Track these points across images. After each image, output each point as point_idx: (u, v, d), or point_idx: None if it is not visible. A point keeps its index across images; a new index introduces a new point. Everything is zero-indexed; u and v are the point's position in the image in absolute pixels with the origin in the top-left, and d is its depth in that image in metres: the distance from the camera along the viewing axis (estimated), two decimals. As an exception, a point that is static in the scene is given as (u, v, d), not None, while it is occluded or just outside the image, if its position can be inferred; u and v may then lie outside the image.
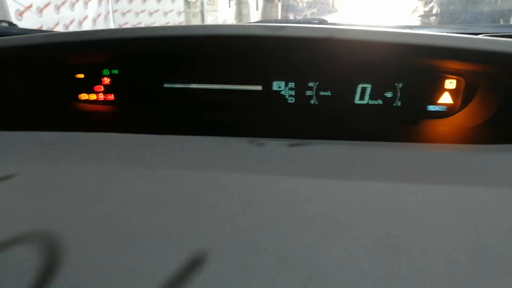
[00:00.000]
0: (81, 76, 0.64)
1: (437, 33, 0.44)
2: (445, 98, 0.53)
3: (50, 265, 0.21)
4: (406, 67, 0.53)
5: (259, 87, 0.59)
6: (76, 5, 3.28)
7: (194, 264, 0.21)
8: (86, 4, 3.41)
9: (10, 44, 0.51)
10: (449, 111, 0.54)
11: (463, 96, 0.52)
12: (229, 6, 4.26)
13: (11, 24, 0.86)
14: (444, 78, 0.52)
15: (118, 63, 0.62)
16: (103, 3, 3.65)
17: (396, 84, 0.55)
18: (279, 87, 0.59)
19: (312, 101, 0.58)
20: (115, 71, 0.63)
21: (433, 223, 0.25)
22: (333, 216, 0.25)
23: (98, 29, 0.51)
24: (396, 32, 0.41)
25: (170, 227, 0.24)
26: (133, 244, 0.23)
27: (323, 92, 0.58)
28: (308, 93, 0.58)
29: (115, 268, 0.21)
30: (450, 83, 0.52)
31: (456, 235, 0.23)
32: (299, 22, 0.67)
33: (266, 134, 0.41)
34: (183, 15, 3.81)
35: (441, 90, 0.53)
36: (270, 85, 0.59)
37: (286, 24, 0.42)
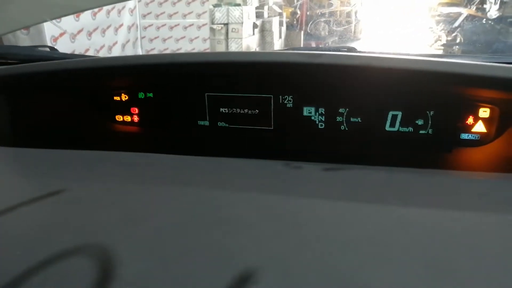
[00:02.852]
0: (117, 98, 0.66)
1: (471, 62, 0.45)
2: (479, 127, 0.53)
3: (105, 276, 0.22)
4: (439, 95, 0.53)
5: (289, 112, 0.60)
6: (107, 32, 3.42)
7: (242, 281, 0.21)
8: (116, 30, 3.55)
9: (57, 68, 0.54)
10: (483, 139, 0.53)
11: (498, 125, 0.52)
12: (253, 34, 4.36)
13: (52, 48, 0.91)
14: (477, 106, 0.52)
15: (154, 87, 0.65)
16: (132, 30, 3.79)
17: (428, 111, 0.55)
18: (310, 113, 0.60)
19: (342, 127, 0.59)
20: (150, 95, 0.66)
21: (480, 249, 0.25)
22: (378, 239, 0.25)
23: (141, 55, 0.54)
24: (435, 60, 0.41)
25: (217, 245, 0.25)
26: (183, 260, 0.23)
27: (353, 118, 0.58)
28: (338, 119, 0.59)
29: (165, 283, 0.22)
30: (484, 112, 0.52)
31: (505, 261, 0.23)
32: (329, 49, 0.69)
33: (297, 158, 0.42)
34: (208, 42, 3.92)
35: (474, 118, 0.53)
36: (301, 110, 0.60)
37: (323, 52, 0.43)
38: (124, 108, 0.67)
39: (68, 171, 0.41)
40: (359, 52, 0.71)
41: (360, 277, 0.22)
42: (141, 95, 0.66)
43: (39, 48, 0.92)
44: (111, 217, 0.29)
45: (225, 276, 0.22)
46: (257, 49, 4.42)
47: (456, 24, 4.36)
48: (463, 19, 4.33)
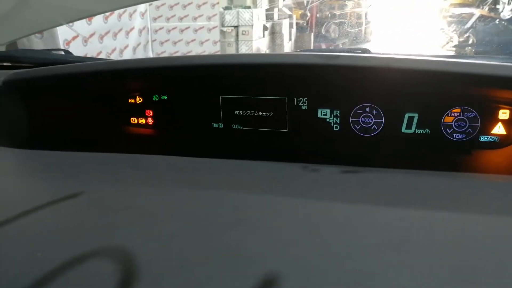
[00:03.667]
0: (132, 101, 0.67)
1: (489, 62, 0.44)
2: (498, 129, 0.52)
3: (125, 280, 0.22)
4: (456, 96, 0.53)
5: (304, 114, 0.59)
6: (118, 35, 3.45)
7: (266, 286, 0.21)
8: (127, 34, 3.58)
9: (72, 71, 0.55)
10: (503, 142, 0.52)
11: (518, 127, 0.51)
12: (263, 36, 4.37)
13: (67, 52, 0.92)
14: (497, 108, 0.51)
15: (168, 90, 0.65)
16: (143, 33, 3.82)
17: (445, 113, 0.54)
18: (324, 115, 0.59)
19: (358, 129, 0.58)
20: (164, 97, 0.66)
21: (503, 254, 0.24)
22: (400, 244, 0.25)
23: (155, 57, 0.54)
24: (453, 61, 0.41)
25: (238, 248, 0.24)
26: (204, 264, 0.23)
27: (368, 120, 0.58)
28: (353, 121, 0.58)
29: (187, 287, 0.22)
30: (504, 113, 0.51)
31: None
32: (342, 51, 0.68)
33: (312, 160, 0.42)
34: (218, 44, 3.93)
35: (494, 120, 0.52)
36: (316, 112, 0.59)
37: (340, 54, 0.43)
38: (138, 111, 0.67)
39: (85, 174, 0.41)
40: (373, 53, 0.71)
41: (383, 282, 0.21)
42: (155, 97, 0.66)
43: (54, 52, 0.93)
44: (131, 220, 0.29)
45: (248, 281, 0.21)
46: (267, 52, 4.42)
47: (468, 25, 4.30)
48: (476, 20, 4.28)
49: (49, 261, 0.24)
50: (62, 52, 0.93)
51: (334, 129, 0.59)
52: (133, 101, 0.67)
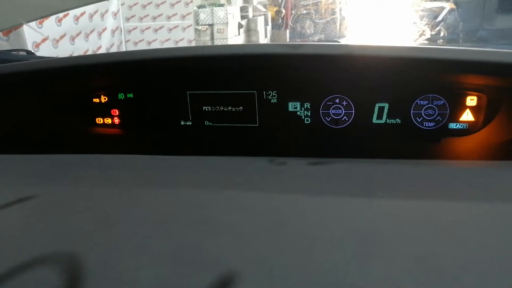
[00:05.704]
0: (97, 100, 0.64)
1: (457, 47, 0.44)
2: (467, 116, 0.52)
3: (72, 286, 0.20)
4: (425, 84, 0.52)
5: (274, 108, 0.58)
6: (90, 36, 3.38)
7: (222, 286, 0.20)
8: (100, 34, 3.51)
9: (29, 69, 0.52)
10: (471, 128, 0.52)
11: (485, 113, 0.51)
12: (239, 34, 4.34)
13: (29, 52, 0.89)
14: (465, 95, 0.51)
15: (133, 87, 0.63)
16: (116, 33, 3.75)
17: (414, 102, 0.54)
18: (295, 108, 0.58)
19: (329, 121, 0.58)
20: (130, 95, 0.63)
21: (472, 241, 0.23)
22: (365, 235, 0.24)
23: (117, 52, 0.52)
24: (417, 47, 0.40)
25: (195, 248, 0.23)
26: (157, 266, 0.22)
27: (339, 112, 0.57)
28: (324, 113, 0.57)
29: (138, 291, 0.20)
30: (471, 100, 0.51)
31: (499, 253, 0.22)
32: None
33: (283, 154, 0.41)
34: (193, 43, 3.89)
35: (462, 107, 0.52)
36: (286, 106, 0.58)
37: (305, 43, 0.42)
38: (104, 110, 0.65)
39: (42, 177, 0.38)
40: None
41: (349, 276, 0.20)
42: (121, 96, 0.63)
43: (15, 53, 0.89)
44: (83, 223, 0.27)
45: (203, 282, 0.20)
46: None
47: (440, 18, 4.39)
48: (446, 13, 4.37)
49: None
50: (25, 53, 0.89)
51: (305, 122, 0.58)
52: (97, 100, 0.64)
